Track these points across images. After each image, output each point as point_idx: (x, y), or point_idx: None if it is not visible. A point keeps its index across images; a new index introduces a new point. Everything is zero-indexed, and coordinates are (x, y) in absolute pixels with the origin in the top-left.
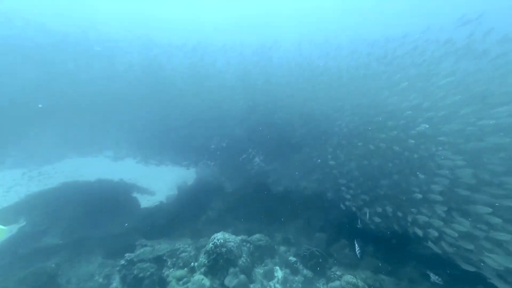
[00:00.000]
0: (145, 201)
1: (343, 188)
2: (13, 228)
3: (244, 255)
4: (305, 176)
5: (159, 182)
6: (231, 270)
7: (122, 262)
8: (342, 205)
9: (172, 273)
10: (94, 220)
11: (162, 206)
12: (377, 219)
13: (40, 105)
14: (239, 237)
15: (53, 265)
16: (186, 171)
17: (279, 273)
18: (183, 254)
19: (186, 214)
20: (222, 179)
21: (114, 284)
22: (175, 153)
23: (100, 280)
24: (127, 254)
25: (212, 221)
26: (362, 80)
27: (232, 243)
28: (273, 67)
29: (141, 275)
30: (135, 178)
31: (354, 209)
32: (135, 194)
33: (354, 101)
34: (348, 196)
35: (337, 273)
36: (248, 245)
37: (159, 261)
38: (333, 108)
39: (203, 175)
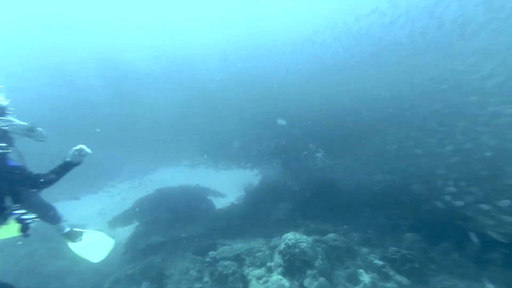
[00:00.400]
0: (219, 203)
1: (439, 180)
2: (131, 229)
3: (320, 257)
4: (380, 168)
5: (228, 185)
6: (309, 272)
7: (208, 259)
8: (438, 202)
9: (251, 272)
10: (182, 220)
11: (234, 207)
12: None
13: (98, 130)
14: (311, 237)
15: (160, 259)
16: (250, 172)
17: (365, 277)
18: (259, 254)
19: (256, 215)
20: (286, 178)
21: (205, 279)
22: (239, 157)
23: (195, 274)
24: (210, 252)
25: (282, 221)
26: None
27: (305, 244)
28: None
29: (225, 272)
30: (209, 182)
31: (460, 205)
32: (210, 197)
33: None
34: (450, 190)
35: (446, 283)
36: (322, 245)
37: (238, 259)
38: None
39: (267, 175)
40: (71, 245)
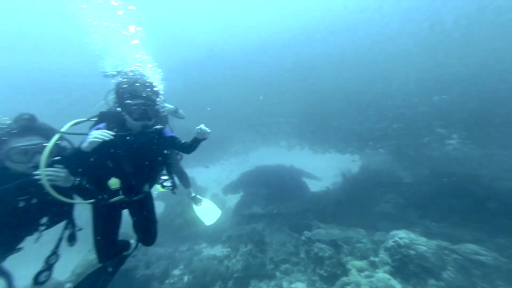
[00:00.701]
0: (313, 186)
1: None
2: (237, 197)
3: (451, 268)
4: None
5: (324, 169)
6: (432, 282)
7: (303, 238)
8: None
9: (350, 261)
10: (277, 197)
11: (329, 192)
12: None
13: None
14: (434, 242)
15: (260, 228)
16: (350, 157)
17: None
18: (359, 245)
19: (354, 203)
20: (396, 168)
21: (302, 255)
22: (338, 140)
23: (291, 248)
24: (305, 232)
25: (388, 216)
26: None
27: (424, 247)
28: None
29: (320, 254)
30: (304, 164)
31: None
32: (304, 179)
33: None
34: None
35: None
36: (453, 255)
37: (334, 245)
38: None
39: (371, 162)
40: (194, 206)
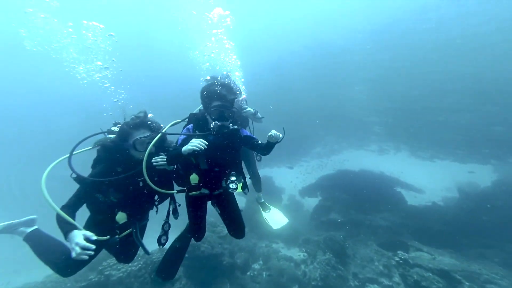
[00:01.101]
0: (412, 198)
1: None
2: (315, 201)
3: None
4: None
5: (430, 179)
6: None
7: (397, 258)
8: None
9: None
10: (362, 206)
11: (437, 208)
12: None
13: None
14: None
15: (341, 236)
16: (476, 168)
17: None
18: (491, 286)
19: (478, 227)
20: None
21: (396, 279)
22: (456, 145)
23: (380, 267)
24: (399, 252)
25: None
26: None
27: None
28: None
29: (424, 284)
30: (400, 172)
31: None
32: (399, 189)
33: None
34: None
35: None
36: None
37: (447, 277)
38: None
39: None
40: (263, 212)
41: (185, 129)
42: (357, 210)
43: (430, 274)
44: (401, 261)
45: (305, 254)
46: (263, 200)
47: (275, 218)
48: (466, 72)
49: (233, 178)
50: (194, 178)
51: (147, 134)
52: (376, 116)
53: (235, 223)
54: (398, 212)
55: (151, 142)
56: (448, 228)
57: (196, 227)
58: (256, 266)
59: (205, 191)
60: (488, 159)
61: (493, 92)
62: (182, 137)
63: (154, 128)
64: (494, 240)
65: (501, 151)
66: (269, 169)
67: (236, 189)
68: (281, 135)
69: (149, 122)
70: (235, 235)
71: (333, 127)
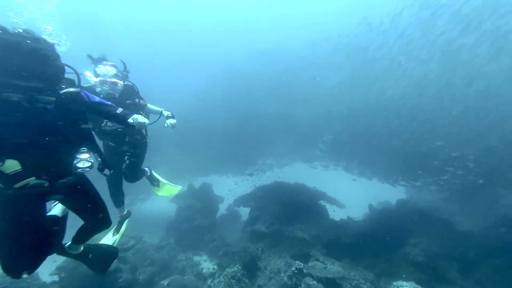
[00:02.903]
0: (332, 212)
1: None
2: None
3: None
4: None
5: (353, 195)
6: None
7: (293, 268)
8: None
9: None
10: (287, 218)
11: (350, 222)
12: None
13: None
14: None
15: (259, 249)
16: (392, 188)
17: None
18: None
19: (377, 241)
20: (449, 210)
21: None
22: (384, 166)
23: (285, 279)
24: (297, 262)
25: (413, 264)
26: None
27: None
28: None
29: None
30: (332, 188)
31: None
32: (324, 203)
33: None
34: None
35: None
36: None
37: (330, 284)
38: None
39: (418, 198)
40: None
41: None
42: (281, 222)
43: (315, 282)
44: (296, 271)
45: (215, 267)
46: (149, 174)
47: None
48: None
49: (84, 156)
50: (10, 165)
51: None
52: (325, 133)
53: (97, 216)
54: (317, 224)
55: None
56: (352, 240)
57: (17, 251)
58: (165, 282)
59: (39, 182)
60: (400, 180)
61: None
62: None
63: None
64: (381, 252)
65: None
66: (209, 177)
67: (90, 167)
68: (147, 122)
69: None
70: (97, 229)
71: (287, 139)
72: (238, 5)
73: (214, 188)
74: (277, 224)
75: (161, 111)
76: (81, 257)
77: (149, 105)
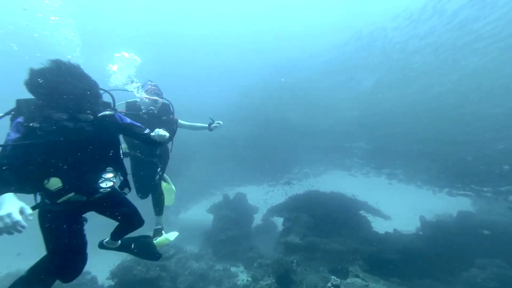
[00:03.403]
0: (376, 224)
1: None
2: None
3: None
4: None
5: (400, 206)
6: None
7: (329, 285)
8: None
9: None
10: (322, 229)
11: (397, 237)
12: None
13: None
14: None
15: (294, 262)
16: (450, 199)
17: None
18: None
19: (432, 259)
20: None
21: None
22: (435, 173)
23: None
24: (333, 277)
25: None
26: None
27: None
28: None
29: None
30: (372, 196)
31: None
32: (365, 213)
33: None
34: None
35: None
36: None
37: None
38: None
39: (487, 210)
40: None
41: (14, 122)
42: (315, 233)
43: None
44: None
45: (249, 278)
46: (160, 227)
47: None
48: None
49: (108, 175)
50: (54, 182)
51: None
52: (361, 140)
53: (130, 218)
54: (357, 237)
55: None
56: (400, 257)
57: (62, 256)
58: None
59: (78, 197)
60: (467, 190)
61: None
62: (15, 134)
63: None
64: (444, 272)
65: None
66: (244, 187)
67: (110, 188)
68: (167, 135)
69: None
70: (132, 228)
71: (319, 147)
72: (260, 16)
73: (248, 198)
74: (311, 235)
75: (199, 124)
76: (123, 249)
77: (181, 121)
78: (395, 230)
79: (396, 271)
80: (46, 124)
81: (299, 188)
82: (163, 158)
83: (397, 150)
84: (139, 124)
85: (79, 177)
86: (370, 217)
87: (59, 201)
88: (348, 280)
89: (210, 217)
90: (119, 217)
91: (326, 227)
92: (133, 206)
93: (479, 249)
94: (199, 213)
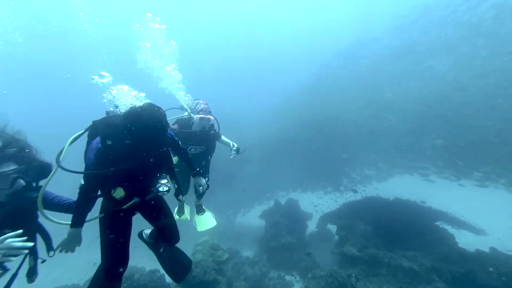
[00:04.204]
0: (465, 240)
1: None
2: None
3: None
4: None
5: (498, 219)
6: None
7: None
8: None
9: None
10: (385, 241)
11: (494, 256)
12: None
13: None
14: None
15: (352, 276)
16: None
17: None
18: None
19: None
20: None
21: None
22: None
23: None
24: None
25: None
26: None
27: None
28: None
29: None
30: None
31: None
32: (444, 225)
33: None
34: None
35: None
36: None
37: None
38: None
39: None
40: (195, 214)
41: (94, 143)
42: (376, 245)
43: None
44: None
45: None
46: (200, 203)
47: (204, 220)
48: None
49: (164, 181)
50: (119, 192)
51: (13, 167)
52: (431, 136)
53: (168, 229)
54: (433, 253)
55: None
56: (503, 284)
57: (118, 254)
58: None
59: (136, 199)
60: None
61: None
62: (95, 153)
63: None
64: None
65: None
66: (296, 193)
67: (167, 191)
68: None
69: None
70: (166, 241)
71: (380, 147)
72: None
73: (300, 204)
74: (372, 247)
75: (231, 143)
76: (152, 248)
77: (223, 137)
78: (491, 248)
79: None
80: (129, 153)
81: (349, 195)
82: (205, 167)
83: (490, 149)
84: (180, 142)
85: (140, 185)
86: (451, 230)
87: (124, 207)
88: None
89: (262, 222)
90: (158, 228)
91: (389, 239)
92: (174, 220)
93: None
94: (252, 218)
